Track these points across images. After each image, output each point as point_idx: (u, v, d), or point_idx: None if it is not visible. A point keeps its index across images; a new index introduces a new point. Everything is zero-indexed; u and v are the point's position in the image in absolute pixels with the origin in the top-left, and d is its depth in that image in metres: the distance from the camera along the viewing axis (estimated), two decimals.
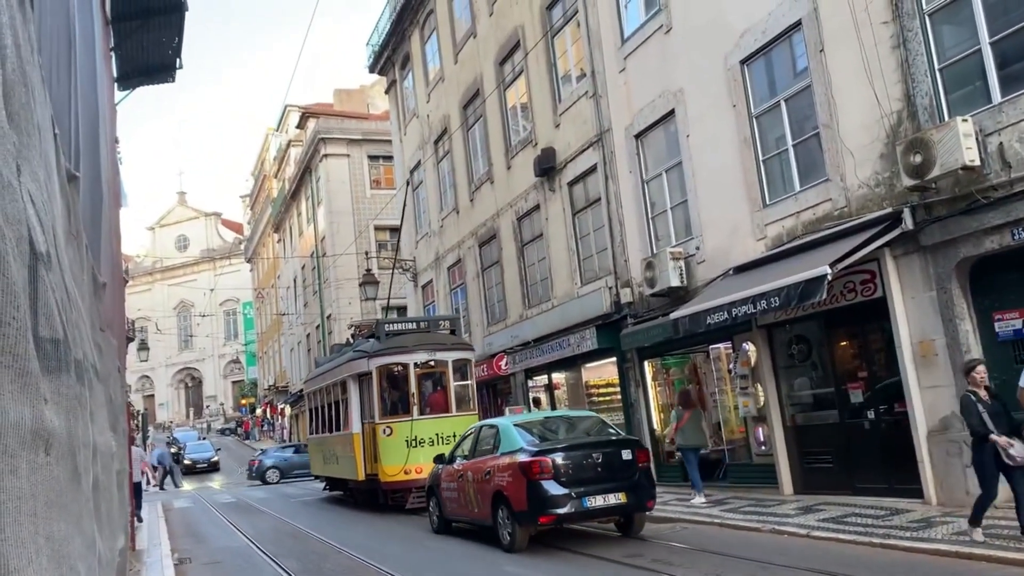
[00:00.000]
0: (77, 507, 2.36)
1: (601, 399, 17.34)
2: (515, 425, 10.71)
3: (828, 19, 10.66)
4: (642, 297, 14.65)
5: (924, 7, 9.45)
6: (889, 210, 9.71)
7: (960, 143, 8.57)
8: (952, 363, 9.30)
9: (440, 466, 12.26)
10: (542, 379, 19.47)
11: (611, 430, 10.93)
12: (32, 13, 2.36)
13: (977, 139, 8.64)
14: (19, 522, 1.49)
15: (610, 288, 15.77)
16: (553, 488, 9.50)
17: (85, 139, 4.91)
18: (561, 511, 9.49)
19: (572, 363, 17.69)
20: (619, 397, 16.26)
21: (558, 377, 19.02)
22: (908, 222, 9.51)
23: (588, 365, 17.46)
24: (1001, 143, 8.55)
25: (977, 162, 8.62)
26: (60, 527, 1.93)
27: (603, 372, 17.13)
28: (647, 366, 15.43)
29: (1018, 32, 8.54)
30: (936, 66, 9.39)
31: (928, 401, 9.62)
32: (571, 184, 17.38)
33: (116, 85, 12.55)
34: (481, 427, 11.77)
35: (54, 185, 2.68)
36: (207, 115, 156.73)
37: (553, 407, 18.77)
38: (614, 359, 16.14)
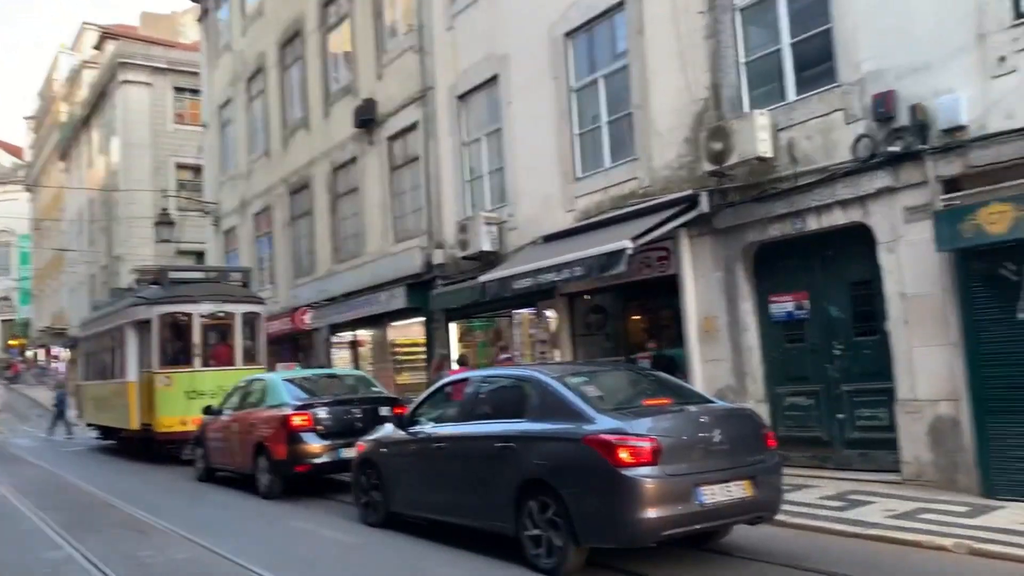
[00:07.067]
0: None
1: (406, 358, 17.33)
2: (284, 380, 11.45)
3: (649, 2, 11.02)
4: (454, 259, 14.68)
5: (733, 3, 10.00)
6: (689, 192, 10.25)
7: (756, 135, 9.18)
8: (731, 340, 10.06)
9: (210, 417, 12.51)
10: (347, 335, 19.12)
11: (375, 388, 11.90)
12: None
13: (772, 133, 9.29)
14: None
15: (423, 248, 15.67)
16: (312, 439, 10.27)
17: None
18: (318, 461, 10.26)
19: (379, 321, 17.47)
20: (424, 357, 16.28)
21: (363, 334, 18.75)
22: (704, 205, 10.08)
23: (395, 324, 17.33)
24: (791, 139, 9.26)
25: (770, 154, 9.27)
26: None
27: (410, 332, 17.07)
28: (454, 327, 15.53)
29: (814, 38, 9.23)
30: (740, 60, 10.00)
31: (708, 373, 10.33)
32: (391, 139, 17.04)
33: None
34: (251, 381, 12.17)
35: None
36: None
37: (356, 364, 18.56)
38: (422, 319, 16.11)
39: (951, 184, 7.87)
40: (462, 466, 7.02)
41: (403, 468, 7.88)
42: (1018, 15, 7.40)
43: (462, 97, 14.90)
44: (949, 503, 7.39)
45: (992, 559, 5.94)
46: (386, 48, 17.23)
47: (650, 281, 11.20)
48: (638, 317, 12.13)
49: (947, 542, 6.28)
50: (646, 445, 5.60)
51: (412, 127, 16.30)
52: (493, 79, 14.05)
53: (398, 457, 7.98)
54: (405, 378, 17.17)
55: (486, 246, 13.46)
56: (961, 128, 7.71)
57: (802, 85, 9.39)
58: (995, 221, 7.17)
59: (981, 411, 7.61)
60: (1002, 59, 7.45)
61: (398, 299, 15.93)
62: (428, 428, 7.68)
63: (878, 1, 8.44)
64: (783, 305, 9.72)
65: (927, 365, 8.09)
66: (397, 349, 17.61)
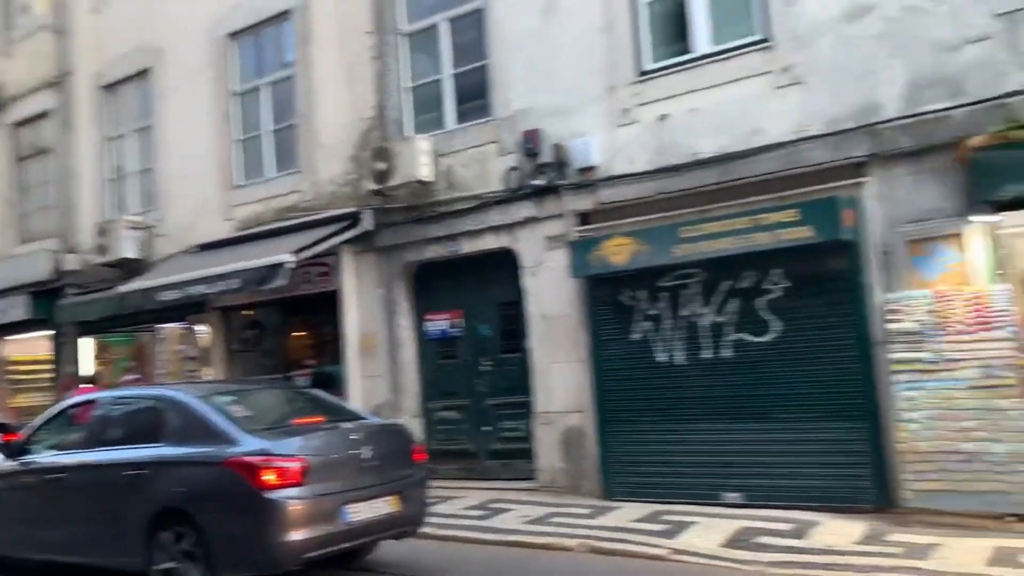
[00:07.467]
0: None
1: (26, 377, 15.17)
2: None
3: (318, 17, 10.91)
4: (91, 266, 13.19)
5: (398, 28, 10.28)
6: (353, 209, 10.26)
7: (417, 159, 9.50)
8: (390, 356, 10.20)
9: None
10: None
11: None
12: None
13: (433, 158, 9.65)
14: None
15: (53, 252, 13.91)
16: None
17: None
18: None
19: None
20: (51, 376, 14.38)
21: None
22: (367, 223, 10.16)
23: (13, 337, 15.11)
24: (450, 165, 9.69)
25: (430, 178, 9.62)
26: None
27: (33, 347, 14.98)
28: (87, 343, 13.92)
29: (473, 72, 9.78)
30: (405, 85, 10.29)
31: (367, 389, 10.35)
32: (18, 125, 15.00)
33: None
34: None
35: None
36: None
37: None
38: (49, 333, 14.23)
39: (584, 218, 8.77)
40: (85, 498, 6.27)
41: (11, 503, 6.87)
42: (640, 73, 8.49)
43: (108, 87, 13.54)
44: (576, 506, 8.13)
45: (607, 555, 6.63)
46: (15, 24, 15.13)
47: (312, 296, 11.00)
48: (300, 333, 11.83)
49: (571, 543, 6.90)
50: (294, 466, 5.43)
51: (45, 114, 14.48)
52: (145, 72, 12.96)
53: (5, 491, 6.95)
54: (24, 400, 15.02)
55: (129, 253, 12.32)
56: (592, 168, 8.64)
57: (462, 115, 9.90)
58: (617, 253, 8.12)
59: (603, 421, 8.53)
60: (626, 111, 8.50)
61: (18, 309, 13.97)
62: (45, 457, 6.81)
63: (528, 46, 9.17)
64: (438, 323, 10.09)
65: (561, 380, 8.88)
66: (15, 367, 15.36)
